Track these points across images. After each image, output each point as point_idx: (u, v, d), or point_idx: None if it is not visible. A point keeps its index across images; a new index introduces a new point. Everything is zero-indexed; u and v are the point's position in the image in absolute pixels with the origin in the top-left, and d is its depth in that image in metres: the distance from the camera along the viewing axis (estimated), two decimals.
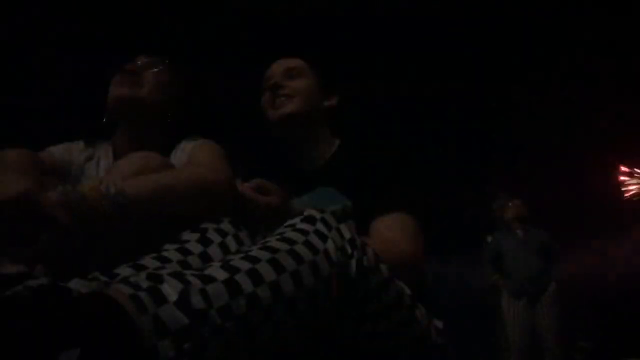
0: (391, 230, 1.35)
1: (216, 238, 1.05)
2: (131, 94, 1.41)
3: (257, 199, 1.18)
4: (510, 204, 4.53)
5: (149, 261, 0.95)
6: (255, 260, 0.88)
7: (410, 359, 1.15)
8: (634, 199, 6.44)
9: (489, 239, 4.62)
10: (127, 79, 1.42)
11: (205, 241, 1.03)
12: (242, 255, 0.90)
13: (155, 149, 1.29)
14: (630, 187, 6.48)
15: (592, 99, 5.17)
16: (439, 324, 1.25)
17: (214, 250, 1.03)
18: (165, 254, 0.98)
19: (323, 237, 0.97)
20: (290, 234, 0.96)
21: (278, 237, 0.96)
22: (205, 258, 1.01)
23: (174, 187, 1.08)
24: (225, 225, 1.08)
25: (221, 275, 0.84)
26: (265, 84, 1.61)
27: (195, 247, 1.02)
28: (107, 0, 3.94)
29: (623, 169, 6.64)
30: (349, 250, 0.99)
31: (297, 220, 1.01)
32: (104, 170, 1.39)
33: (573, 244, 5.16)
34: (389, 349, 1.12)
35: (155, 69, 1.46)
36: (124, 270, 0.90)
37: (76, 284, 0.79)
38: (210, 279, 0.83)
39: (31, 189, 0.93)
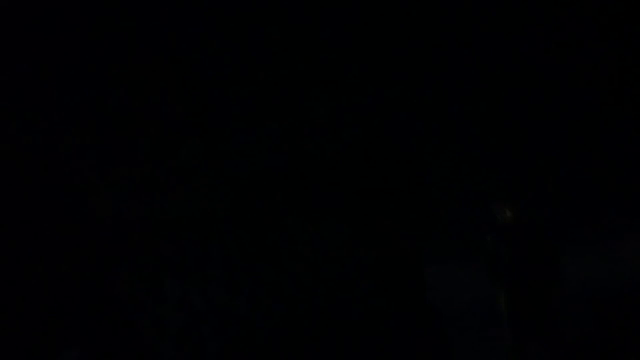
0: (392, 232, 1.34)
1: (216, 239, 1.05)
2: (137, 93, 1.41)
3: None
4: (509, 204, 4.50)
5: (149, 261, 0.95)
6: (255, 260, 0.89)
7: (410, 358, 1.15)
8: None
9: (489, 238, 4.60)
10: (132, 79, 1.42)
11: (205, 242, 1.04)
12: (242, 255, 0.90)
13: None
14: None
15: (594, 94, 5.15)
16: (439, 323, 1.25)
17: (214, 251, 1.03)
18: (165, 254, 0.99)
19: (324, 238, 0.97)
20: (290, 234, 0.96)
21: (278, 237, 0.96)
22: (205, 258, 1.01)
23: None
24: (226, 226, 1.08)
25: (221, 275, 0.84)
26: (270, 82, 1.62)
27: (195, 248, 1.02)
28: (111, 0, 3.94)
29: None
30: (350, 252, 1.00)
31: (297, 220, 1.01)
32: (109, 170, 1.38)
33: (573, 243, 5.15)
34: (389, 349, 1.12)
35: (159, 69, 1.46)
36: (124, 272, 0.91)
37: (76, 284, 0.79)
38: (211, 280, 0.83)
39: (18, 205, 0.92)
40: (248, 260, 0.86)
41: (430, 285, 1.48)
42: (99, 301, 0.72)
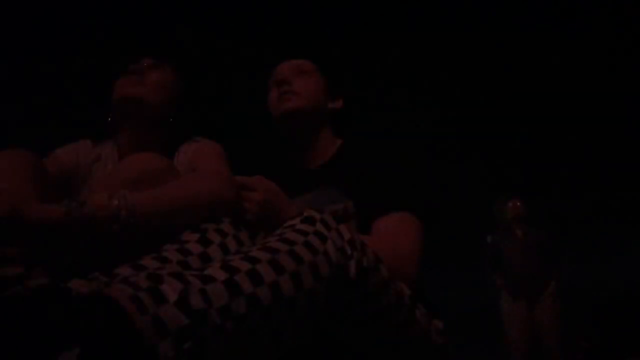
0: (392, 231, 1.35)
1: (216, 238, 1.05)
2: (135, 94, 1.41)
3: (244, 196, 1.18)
4: (509, 203, 4.53)
5: (149, 261, 0.95)
6: (255, 260, 0.89)
7: (410, 359, 1.15)
8: None
9: (489, 239, 4.62)
10: (131, 80, 1.43)
11: (205, 241, 1.03)
12: (242, 255, 0.90)
13: (158, 149, 1.30)
14: None
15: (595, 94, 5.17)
16: (439, 324, 1.25)
17: (214, 251, 1.03)
18: (165, 254, 0.98)
19: (323, 238, 0.97)
20: (289, 234, 0.96)
21: (278, 237, 0.96)
22: (205, 258, 1.01)
23: (184, 203, 1.07)
24: (225, 226, 1.08)
25: (221, 275, 0.84)
26: (273, 81, 1.63)
27: (195, 248, 1.02)
28: (111, 1, 3.94)
29: None
30: (349, 251, 1.00)
31: (296, 221, 1.01)
32: (109, 171, 1.39)
33: (573, 243, 5.15)
34: (388, 350, 1.12)
35: (159, 70, 1.47)
36: (124, 270, 0.90)
37: (76, 284, 0.79)
38: (210, 279, 0.83)
39: (15, 205, 0.90)
40: (248, 259, 0.85)
41: (430, 286, 1.48)
42: (97, 300, 0.71)
